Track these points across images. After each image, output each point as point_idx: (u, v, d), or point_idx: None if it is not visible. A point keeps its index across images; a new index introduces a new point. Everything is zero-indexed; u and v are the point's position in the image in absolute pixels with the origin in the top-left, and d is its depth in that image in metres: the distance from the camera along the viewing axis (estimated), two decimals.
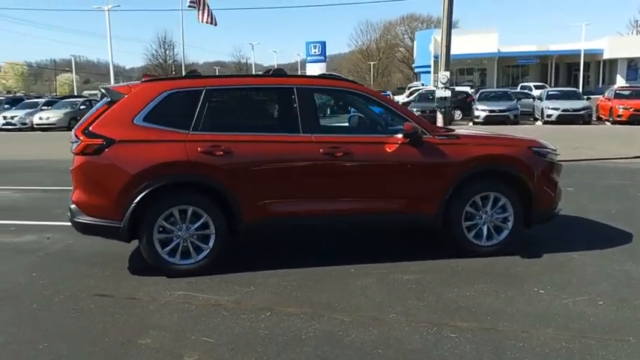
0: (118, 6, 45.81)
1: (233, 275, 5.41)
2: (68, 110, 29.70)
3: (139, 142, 5.31)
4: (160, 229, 5.36)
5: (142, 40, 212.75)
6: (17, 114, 29.66)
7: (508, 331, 4.13)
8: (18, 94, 57.52)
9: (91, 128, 5.35)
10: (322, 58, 38.27)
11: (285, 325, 4.28)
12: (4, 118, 29.32)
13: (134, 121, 5.35)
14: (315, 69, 35.66)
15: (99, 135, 5.30)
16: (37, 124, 28.57)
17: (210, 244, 5.46)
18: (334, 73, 6.74)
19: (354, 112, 6.73)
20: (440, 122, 13.01)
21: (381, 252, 6.17)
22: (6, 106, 31.92)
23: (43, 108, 30.53)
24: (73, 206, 5.42)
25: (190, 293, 5.01)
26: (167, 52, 74.97)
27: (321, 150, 5.48)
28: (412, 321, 4.32)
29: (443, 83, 12.35)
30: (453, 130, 6.44)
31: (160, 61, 76.32)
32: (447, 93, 12.43)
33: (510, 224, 5.96)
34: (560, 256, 5.91)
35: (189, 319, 4.43)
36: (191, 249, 5.46)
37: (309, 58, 38.16)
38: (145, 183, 5.23)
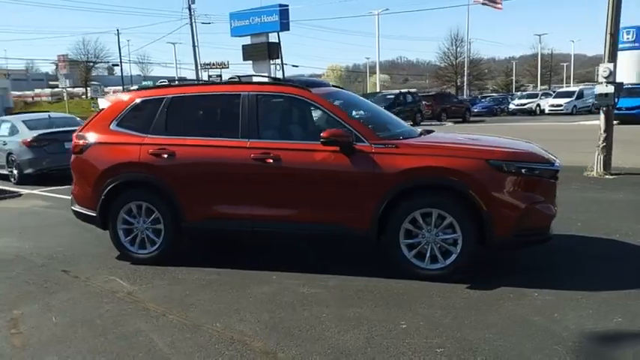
0: (387, 9, 49.33)
1: (172, 269, 5.87)
2: None
3: (109, 144, 6.14)
4: (123, 220, 6.12)
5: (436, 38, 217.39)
6: None
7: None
8: None
9: (81, 131, 6.39)
10: (637, 45, 34.22)
11: (123, 318, 4.65)
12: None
13: (110, 126, 6.21)
14: (626, 57, 31.62)
15: (84, 137, 6.30)
16: None
17: (161, 238, 6.01)
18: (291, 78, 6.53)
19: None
20: (602, 123, 10.93)
21: (329, 261, 5.94)
22: None
23: None
24: (71, 196, 6.54)
25: (110, 277, 5.71)
26: (458, 49, 75.08)
27: (252, 155, 5.55)
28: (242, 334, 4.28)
29: (604, 77, 10.38)
30: (412, 136, 5.79)
31: (452, 58, 76.86)
32: (609, 89, 10.39)
33: (459, 247, 5.15)
34: (510, 292, 4.90)
35: (79, 296, 5.11)
36: (146, 241, 6.09)
37: (620, 45, 34.41)
38: (110, 179, 6.05)
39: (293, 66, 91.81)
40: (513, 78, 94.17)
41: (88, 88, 76.45)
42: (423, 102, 33.63)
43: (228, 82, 6.16)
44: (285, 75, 63.08)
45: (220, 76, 67.37)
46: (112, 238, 6.23)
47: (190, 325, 4.44)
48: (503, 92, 72.35)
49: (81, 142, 6.29)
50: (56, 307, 4.96)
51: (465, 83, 64.76)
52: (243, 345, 4.05)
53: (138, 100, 6.23)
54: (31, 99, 74.65)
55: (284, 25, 46.45)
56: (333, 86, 6.92)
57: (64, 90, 68.62)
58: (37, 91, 78.21)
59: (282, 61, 61.93)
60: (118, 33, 79.76)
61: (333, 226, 5.44)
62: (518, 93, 58.40)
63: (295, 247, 6.59)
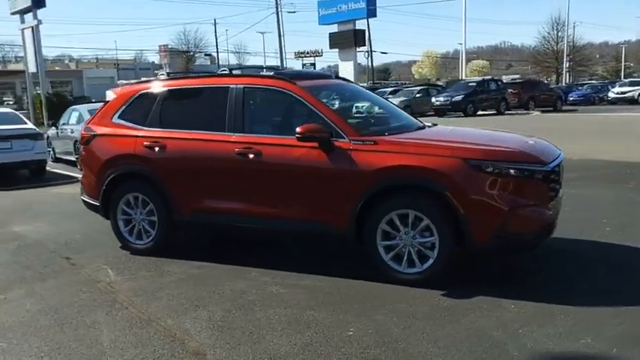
0: None
1: (163, 260, 5.94)
2: (403, 98, 31.89)
3: (110, 136, 6.30)
4: (122, 211, 6.26)
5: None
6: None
7: None
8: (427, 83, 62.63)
9: (89, 123, 6.59)
10: None
11: (89, 309, 4.75)
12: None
13: (112, 118, 6.35)
14: None
15: (90, 129, 6.49)
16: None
17: (155, 230, 6.10)
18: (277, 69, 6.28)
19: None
20: None
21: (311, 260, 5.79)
22: None
23: (388, 97, 33.41)
24: (80, 186, 6.78)
25: (103, 266, 5.87)
26: (559, 33, 71.08)
27: (235, 149, 5.49)
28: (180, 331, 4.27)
29: None
30: (395, 134, 5.44)
31: (552, 43, 72.98)
32: None
33: (436, 251, 4.84)
34: (485, 301, 4.54)
35: (64, 284, 5.29)
36: (142, 232, 6.21)
37: None
38: (110, 170, 6.21)
39: (382, 53, 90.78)
40: (622, 64, 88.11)
41: None
42: (509, 90, 32.15)
43: (220, 75, 6.11)
44: (374, 63, 62.80)
45: (314, 64, 68.00)
46: (112, 227, 6.40)
47: (144, 320, 4.46)
48: (612, 79, 67.68)
49: (87, 133, 6.49)
50: (38, 294, 5.15)
51: (564, 70, 61.32)
52: (180, 344, 4.01)
53: (139, 93, 6.33)
54: None
55: (371, 12, 45.95)
56: (341, 79, 6.71)
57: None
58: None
59: (370, 48, 61.78)
60: (215, 23, 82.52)
61: (313, 224, 5.28)
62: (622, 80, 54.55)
63: (289, 244, 6.45)
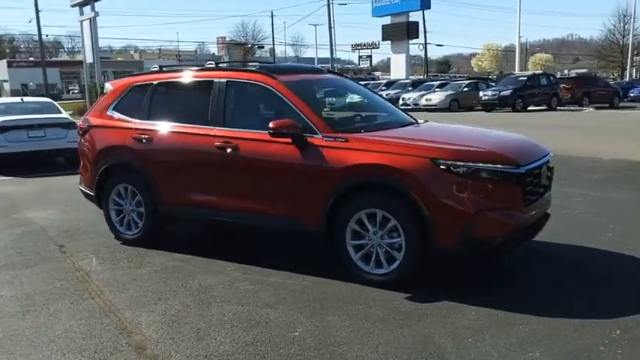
0: None
1: (148, 252, 6.02)
2: (450, 92, 31.26)
3: (104, 128, 6.42)
4: (114, 201, 6.38)
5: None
6: (412, 95, 32.84)
7: None
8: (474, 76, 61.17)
9: (87, 115, 6.74)
10: None
11: (58, 298, 4.86)
12: (403, 99, 32.87)
13: (107, 110, 6.47)
14: None
15: (86, 120, 6.64)
16: (423, 105, 31.07)
17: (143, 221, 6.19)
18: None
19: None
20: None
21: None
22: (409, 88, 35.45)
23: (435, 90, 32.87)
24: (79, 176, 6.94)
25: (90, 255, 6.00)
26: (625, 25, 67.94)
27: (215, 143, 5.50)
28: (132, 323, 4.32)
29: None
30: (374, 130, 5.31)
31: (618, 36, 69.88)
32: None
33: (402, 253, 4.71)
34: (447, 307, 4.39)
35: (46, 272, 5.44)
36: (132, 222, 6.30)
37: None
38: (102, 161, 6.33)
39: (437, 45, 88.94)
40: None
41: None
42: (562, 85, 30.99)
43: (206, 68, 6.10)
44: (428, 55, 61.67)
45: (370, 56, 67.60)
46: (105, 217, 6.52)
47: (104, 311, 4.51)
48: None
49: (84, 124, 6.63)
50: (18, 280, 5.30)
51: (629, 64, 58.62)
52: (127, 337, 4.04)
53: (132, 86, 6.41)
54: None
55: (425, 4, 45.27)
56: (335, 73, 6.60)
57: None
58: None
59: (425, 40, 60.82)
60: (272, 15, 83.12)
61: (287, 221, 5.23)
62: None
63: (277, 240, 6.37)
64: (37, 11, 45.47)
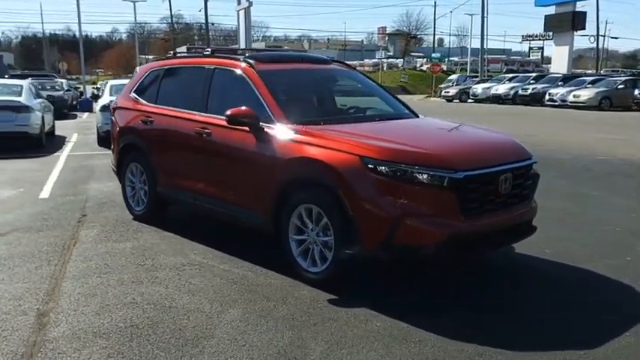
0: None
1: (145, 228, 6.33)
2: (602, 89, 28.41)
3: (124, 109, 6.81)
4: (129, 178, 6.77)
5: None
6: (560, 91, 30.33)
7: None
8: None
9: (117, 97, 7.20)
10: None
11: (34, 261, 5.30)
12: (549, 95, 30.57)
13: (129, 93, 6.86)
14: None
15: (115, 102, 7.10)
16: (570, 102, 28.64)
17: (146, 199, 6.50)
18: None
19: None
20: None
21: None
22: (559, 83, 32.79)
23: (587, 86, 30.10)
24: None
25: (96, 227, 6.40)
26: None
27: (195, 129, 5.61)
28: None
29: None
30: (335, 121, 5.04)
31: None
32: None
33: (332, 253, 4.46)
34: (358, 314, 4.09)
35: (47, 238, 5.96)
36: (139, 200, 6.65)
37: None
38: (121, 140, 6.76)
39: (612, 38, 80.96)
40: None
41: (401, 60, 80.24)
42: None
43: (204, 55, 6.19)
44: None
45: (542, 48, 63.72)
46: (122, 192, 6.95)
47: (50, 279, 4.78)
48: None
49: (113, 106, 7.10)
50: (17, 242, 5.82)
51: None
52: (43, 304, 4.29)
53: (150, 70, 6.73)
54: (353, 68, 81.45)
55: None
56: (343, 64, 6.36)
57: (382, 60, 73.66)
58: (366, 60, 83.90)
59: (597, 32, 55.83)
60: (435, 5, 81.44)
61: (243, 210, 5.20)
62: None
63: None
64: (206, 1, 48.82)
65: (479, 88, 36.74)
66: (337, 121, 5.08)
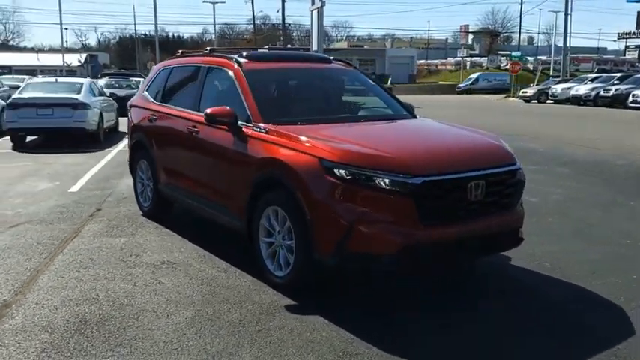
0: None
1: (147, 224, 6.44)
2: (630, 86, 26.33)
3: (137, 107, 6.95)
4: (138, 175, 6.91)
5: None
6: None
7: None
8: None
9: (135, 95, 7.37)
10: None
11: (25, 251, 5.51)
12: (633, 96, 28.63)
13: (143, 91, 7.00)
14: None
15: (132, 100, 7.26)
16: None
17: (152, 195, 6.60)
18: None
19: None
20: None
21: None
22: None
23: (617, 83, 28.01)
24: None
25: (103, 221, 6.57)
26: None
27: (187, 127, 5.63)
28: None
29: None
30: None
31: None
32: None
33: (293, 257, 4.33)
34: (309, 324, 3.95)
35: (51, 230, 6.18)
36: (147, 196, 6.76)
37: None
38: (132, 137, 6.91)
39: None
40: None
41: (485, 58, 77.92)
42: None
43: (203, 54, 6.19)
44: None
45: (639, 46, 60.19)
46: (133, 189, 7.10)
47: (33, 271, 4.95)
48: None
49: (129, 104, 7.26)
50: (25, 233, 6.08)
51: None
52: (12, 295, 4.43)
53: (161, 69, 6.83)
54: (435, 67, 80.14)
55: None
56: (345, 63, 6.19)
57: (464, 59, 71.99)
58: (448, 59, 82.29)
59: None
60: (522, 2, 78.57)
61: (225, 211, 5.15)
62: None
63: None
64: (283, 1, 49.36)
65: (558, 89, 35.00)
66: (317, 122, 4.91)
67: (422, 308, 4.28)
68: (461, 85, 56.87)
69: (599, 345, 3.64)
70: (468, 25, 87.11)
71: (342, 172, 3.95)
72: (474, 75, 58.37)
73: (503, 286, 4.77)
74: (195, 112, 5.58)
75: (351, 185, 3.94)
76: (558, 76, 42.53)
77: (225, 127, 4.98)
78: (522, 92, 38.77)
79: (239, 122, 4.89)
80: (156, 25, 39.31)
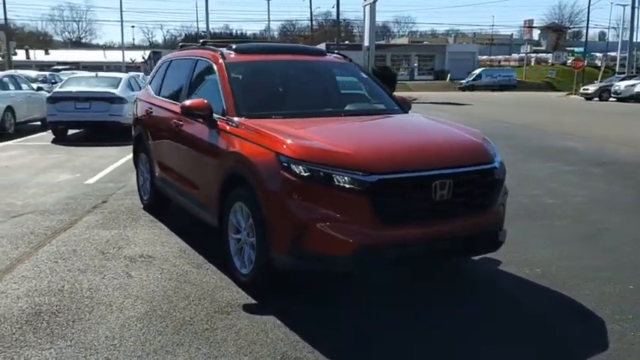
0: None
1: (145, 218, 6.45)
2: None
3: (140, 101, 6.98)
4: (140, 168, 6.94)
5: None
6: None
7: None
8: None
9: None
10: None
11: (22, 239, 5.61)
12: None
13: (147, 84, 7.02)
14: None
15: (138, 94, 7.30)
16: None
17: (150, 189, 6.61)
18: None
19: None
20: None
21: None
22: None
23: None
24: None
25: (103, 215, 6.62)
26: None
27: (173, 120, 5.59)
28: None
29: None
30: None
31: None
32: None
33: (255, 255, 4.20)
34: (258, 326, 3.81)
35: (48, 220, 6.29)
36: (146, 189, 6.78)
37: None
38: (134, 130, 6.96)
39: None
40: None
41: (551, 54, 75.23)
42: None
43: (196, 47, 6.12)
44: None
45: None
46: (136, 182, 7.14)
47: (13, 260, 5.02)
48: None
49: (135, 97, 7.30)
50: (25, 223, 6.18)
51: None
52: None
53: (163, 62, 6.82)
54: (497, 63, 78.03)
55: None
56: (333, 53, 6.01)
57: (529, 55, 69.80)
58: (513, 55, 79.88)
59: None
60: None
61: (203, 206, 5.07)
62: None
63: None
64: None
65: (621, 86, 33.37)
66: (293, 116, 4.74)
67: (386, 315, 4.05)
68: (463, 81, 54.49)
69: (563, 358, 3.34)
70: (532, 20, 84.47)
71: (299, 168, 3.79)
72: (477, 71, 55.79)
73: (479, 293, 4.47)
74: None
75: (307, 182, 3.76)
76: (624, 73, 40.57)
77: (201, 120, 4.90)
78: (583, 89, 37.22)
79: (215, 116, 4.79)
80: (207, 22, 39.86)
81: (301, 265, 3.90)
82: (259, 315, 3.93)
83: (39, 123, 15.86)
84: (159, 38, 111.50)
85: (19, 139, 13.84)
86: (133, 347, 3.49)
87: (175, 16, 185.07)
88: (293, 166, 3.80)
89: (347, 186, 3.68)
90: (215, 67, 5.19)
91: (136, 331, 3.70)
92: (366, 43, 37.21)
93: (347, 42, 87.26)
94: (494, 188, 4.15)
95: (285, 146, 3.93)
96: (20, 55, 56.45)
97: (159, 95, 6.36)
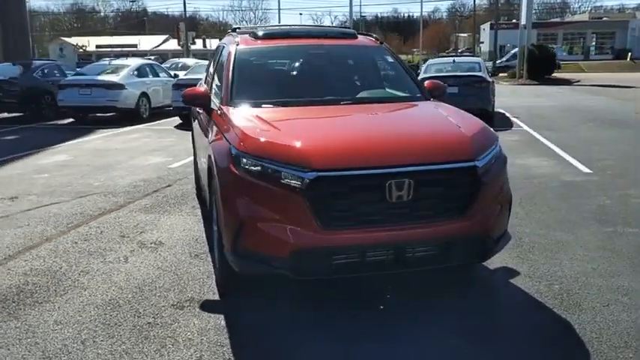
0: None
1: (192, 201, 6.59)
2: None
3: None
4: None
5: None
6: None
7: None
8: None
9: None
10: None
11: (34, 222, 6.02)
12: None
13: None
14: None
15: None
16: None
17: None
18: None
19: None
20: None
21: None
22: None
23: None
24: None
25: (117, 213, 6.88)
26: None
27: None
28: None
29: None
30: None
31: None
32: None
33: (217, 253, 4.07)
34: (219, 324, 3.68)
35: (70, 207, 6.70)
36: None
37: None
38: (192, 118, 7.12)
39: None
40: None
41: None
42: None
43: (228, 33, 6.03)
44: None
45: None
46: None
47: (29, 240, 5.36)
48: None
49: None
50: (78, 204, 6.62)
51: None
52: None
53: (216, 48, 6.84)
54: None
55: None
56: (371, 37, 5.58)
57: None
58: None
59: None
60: None
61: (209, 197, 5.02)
62: None
63: None
64: None
65: None
66: (283, 104, 4.47)
67: (349, 323, 3.69)
68: (497, 61, 46.29)
69: None
70: None
71: (245, 161, 3.56)
72: (514, 50, 45.09)
73: (474, 308, 3.90)
74: None
75: (252, 177, 3.52)
76: None
77: (200, 109, 4.86)
78: None
79: (214, 104, 4.70)
80: (351, 7, 39.76)
81: (247, 266, 3.64)
82: (208, 313, 3.80)
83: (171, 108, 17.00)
84: (327, 24, 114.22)
85: (149, 123, 14.94)
86: (68, 334, 3.53)
87: (344, 1, 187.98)
88: (241, 159, 3.58)
89: (287, 182, 3.38)
90: (227, 53, 5.10)
91: (85, 318, 3.75)
92: (523, 21, 34.98)
93: (514, 20, 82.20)
94: (476, 189, 3.55)
95: (237, 138, 3.72)
96: (198, 44, 60.49)
97: (205, 83, 6.41)
